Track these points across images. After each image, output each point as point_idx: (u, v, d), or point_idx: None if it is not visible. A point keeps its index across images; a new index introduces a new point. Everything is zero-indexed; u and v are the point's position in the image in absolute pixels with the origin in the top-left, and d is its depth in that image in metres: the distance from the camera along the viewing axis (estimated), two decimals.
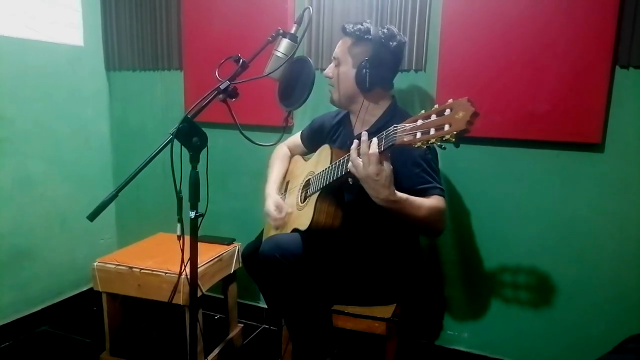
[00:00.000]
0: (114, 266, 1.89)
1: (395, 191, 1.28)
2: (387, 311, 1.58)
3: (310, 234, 1.46)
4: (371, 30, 1.52)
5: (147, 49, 2.44)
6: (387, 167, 1.24)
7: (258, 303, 2.42)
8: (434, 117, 1.06)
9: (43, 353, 2.15)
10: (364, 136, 1.25)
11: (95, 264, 1.92)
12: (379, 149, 1.22)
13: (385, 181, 1.24)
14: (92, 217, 1.12)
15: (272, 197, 1.71)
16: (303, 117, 1.93)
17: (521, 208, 1.85)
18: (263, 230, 1.87)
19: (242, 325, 2.29)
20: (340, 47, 1.60)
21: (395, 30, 1.56)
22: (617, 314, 1.76)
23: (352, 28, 1.55)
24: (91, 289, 2.00)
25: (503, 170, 1.86)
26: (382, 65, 1.53)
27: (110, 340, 1.99)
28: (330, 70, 1.62)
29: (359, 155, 1.26)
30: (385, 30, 1.53)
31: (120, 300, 1.99)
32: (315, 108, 2.02)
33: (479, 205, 1.92)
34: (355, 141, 1.28)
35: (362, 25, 1.54)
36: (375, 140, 1.23)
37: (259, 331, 2.36)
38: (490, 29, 1.75)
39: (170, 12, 2.35)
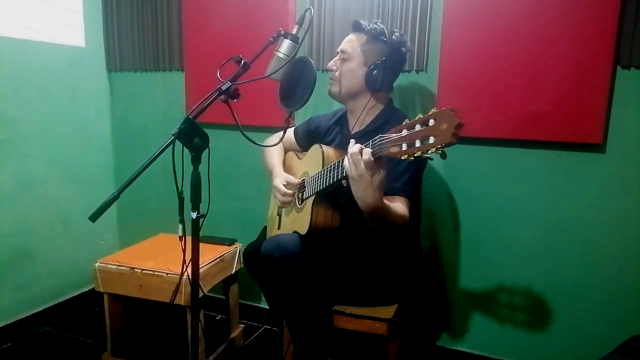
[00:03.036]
0: (115, 267, 1.90)
1: (383, 198, 1.26)
2: (388, 312, 1.58)
3: (310, 235, 1.46)
4: (386, 32, 1.54)
5: (148, 50, 2.44)
6: (382, 172, 1.21)
7: (259, 304, 2.42)
8: (418, 127, 1.02)
9: (45, 354, 2.15)
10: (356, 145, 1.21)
11: (97, 264, 1.92)
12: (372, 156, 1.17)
13: (379, 185, 1.21)
14: (94, 218, 1.12)
15: (281, 175, 1.70)
16: (304, 118, 1.93)
17: (522, 209, 1.85)
18: (264, 230, 1.88)
19: (244, 325, 2.29)
20: (351, 42, 1.59)
21: (405, 36, 1.60)
22: (618, 315, 1.75)
23: (368, 26, 1.55)
24: (93, 289, 2.00)
25: (504, 170, 1.86)
26: (392, 68, 1.56)
27: (112, 340, 1.99)
28: (334, 63, 1.62)
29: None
30: (398, 34, 1.55)
31: (122, 300, 1.99)
32: (316, 108, 2.02)
33: (480, 205, 1.92)
34: (352, 141, 1.25)
35: (377, 25, 1.55)
36: (369, 150, 1.18)
37: (260, 332, 2.37)
38: (492, 29, 1.75)
39: (171, 13, 2.35)
